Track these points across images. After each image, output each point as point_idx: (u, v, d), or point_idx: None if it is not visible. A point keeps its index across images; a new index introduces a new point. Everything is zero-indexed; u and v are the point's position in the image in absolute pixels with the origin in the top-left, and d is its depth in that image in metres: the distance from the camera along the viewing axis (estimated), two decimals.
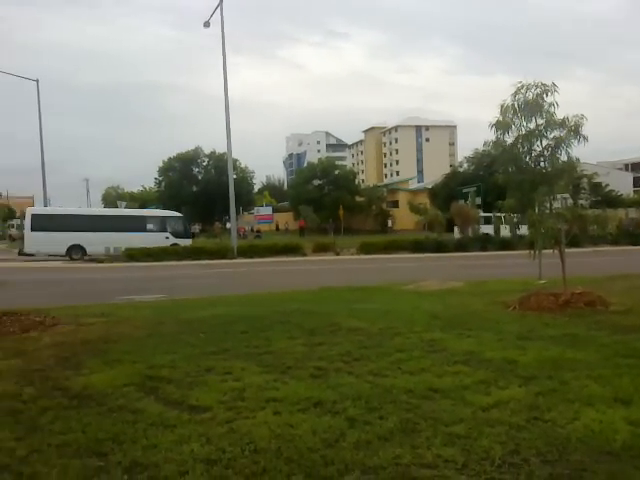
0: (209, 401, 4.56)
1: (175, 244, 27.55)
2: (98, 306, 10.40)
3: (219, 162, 58.47)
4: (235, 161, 54.68)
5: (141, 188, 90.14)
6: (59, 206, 42.32)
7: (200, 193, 59.70)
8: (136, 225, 28.11)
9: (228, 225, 42.70)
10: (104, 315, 9.24)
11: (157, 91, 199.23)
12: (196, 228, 47.79)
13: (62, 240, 25.72)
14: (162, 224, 28.98)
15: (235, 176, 43.49)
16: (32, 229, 26.02)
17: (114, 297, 12.23)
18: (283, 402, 4.48)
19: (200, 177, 62.44)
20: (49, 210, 31.19)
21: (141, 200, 78.03)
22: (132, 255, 25.33)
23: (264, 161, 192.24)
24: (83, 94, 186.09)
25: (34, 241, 25.65)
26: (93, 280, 18.34)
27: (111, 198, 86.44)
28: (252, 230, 50.11)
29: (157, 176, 64.34)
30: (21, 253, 27.40)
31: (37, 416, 4.34)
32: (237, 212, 39.30)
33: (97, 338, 7.36)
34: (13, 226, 56.10)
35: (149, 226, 28.65)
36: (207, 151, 63.01)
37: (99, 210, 38.09)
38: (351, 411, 4.23)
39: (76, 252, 26.45)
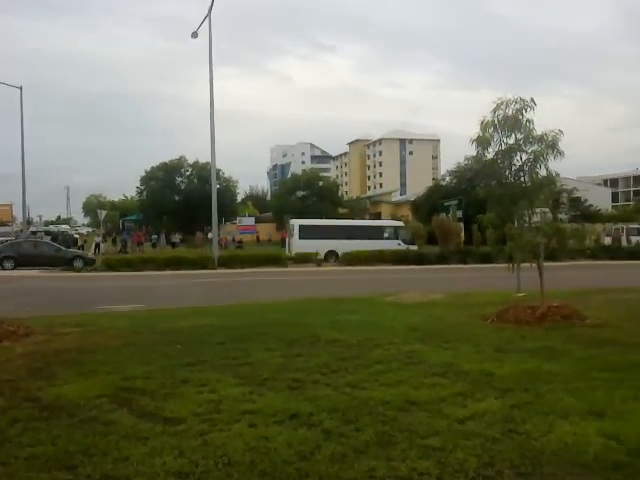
0: (184, 413, 4.50)
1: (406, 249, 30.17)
2: (74, 316, 10.23)
3: (202, 171, 58.07)
4: (218, 171, 54.37)
5: (122, 197, 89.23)
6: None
7: (182, 202, 59.20)
8: (376, 233, 31.99)
9: (210, 235, 42.46)
10: (79, 325, 9.10)
11: (143, 100, 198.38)
12: (177, 238, 47.27)
13: (321, 246, 29.33)
14: (395, 233, 32.39)
15: (218, 186, 43.28)
16: (300, 237, 30.80)
17: (91, 307, 12.05)
18: (259, 414, 4.44)
19: (183, 186, 61.96)
20: (312, 222, 35.83)
21: (122, 209, 77.19)
22: (110, 264, 25.04)
23: (248, 171, 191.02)
24: (69, 102, 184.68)
25: (300, 246, 29.83)
26: (71, 289, 18.06)
27: (92, 206, 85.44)
28: (233, 240, 49.78)
29: (139, 185, 63.77)
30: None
31: (6, 428, 4.24)
32: (219, 222, 39.21)
33: (71, 348, 7.23)
34: None
35: (385, 234, 32.36)
36: (191, 160, 62.74)
37: (349, 221, 42.19)
38: (327, 423, 4.20)
39: (331, 256, 30.26)
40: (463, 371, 5.72)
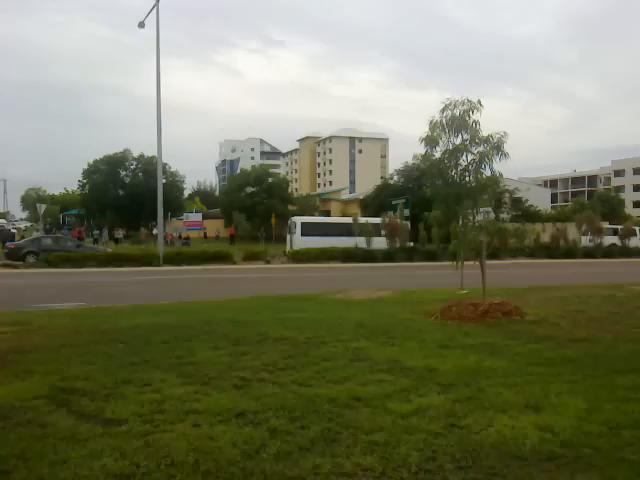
0: (125, 414, 4.38)
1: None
2: (9, 314, 9.79)
3: (148, 165, 56.69)
4: (165, 165, 53.34)
5: (63, 191, 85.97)
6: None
7: (126, 197, 57.63)
8: (377, 231, 31.08)
9: (155, 231, 41.51)
10: (16, 324, 8.71)
11: (86, 92, 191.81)
12: (120, 233, 45.92)
13: (323, 243, 29.62)
14: (377, 230, 31.67)
15: (164, 180, 42.44)
16: (302, 234, 31.60)
17: (28, 305, 11.55)
18: (203, 414, 4.38)
19: (127, 180, 60.30)
20: (313, 219, 38.41)
21: (63, 203, 74.40)
22: (50, 261, 24.08)
23: (196, 166, 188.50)
24: (5, 92, 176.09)
25: (302, 244, 30.49)
26: (7, 286, 17.26)
27: (31, 200, 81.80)
28: (180, 237, 48.86)
29: (81, 178, 61.54)
30: None
31: None
32: (165, 218, 38.35)
33: (7, 348, 6.91)
34: None
35: (384, 232, 31.51)
36: (136, 154, 61.13)
37: (346, 219, 41.04)
38: (273, 421, 4.19)
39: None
40: (408, 367, 5.82)
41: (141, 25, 27.54)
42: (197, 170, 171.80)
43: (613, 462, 3.43)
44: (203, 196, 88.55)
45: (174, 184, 59.42)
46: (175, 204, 57.50)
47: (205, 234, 56.60)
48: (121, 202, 57.19)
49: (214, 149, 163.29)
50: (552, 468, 3.37)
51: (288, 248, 31.99)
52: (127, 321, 8.98)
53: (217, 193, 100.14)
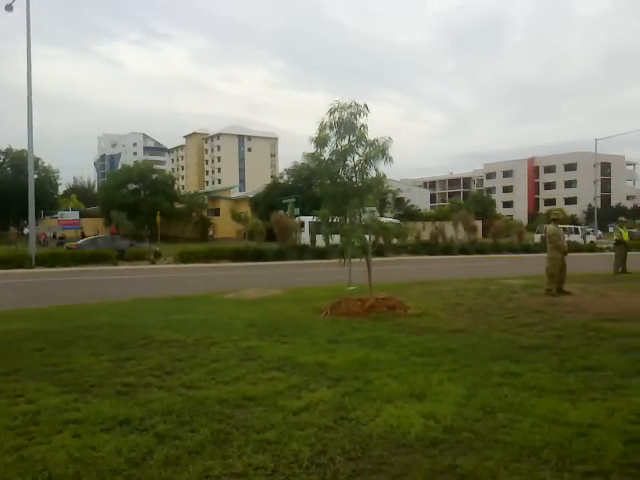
0: None
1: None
2: None
3: (17, 160, 52.22)
4: (37, 160, 49.40)
5: None
6: None
7: None
8: None
9: (26, 230, 38.32)
10: None
11: None
12: None
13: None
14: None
15: (36, 176, 39.32)
16: (309, 233, 32.21)
17: None
18: (84, 423, 4.10)
19: None
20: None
21: None
22: None
23: (72, 162, 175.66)
24: None
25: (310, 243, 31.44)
26: None
27: None
28: (54, 236, 45.51)
29: None
30: None
31: None
32: (38, 216, 35.55)
33: None
34: None
35: None
36: (3, 147, 56.01)
37: None
38: (160, 427, 4.02)
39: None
40: (299, 364, 5.86)
41: (9, 8, 25.31)
42: (73, 165, 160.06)
43: (490, 444, 3.68)
44: (80, 193, 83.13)
45: (47, 180, 55.22)
46: (48, 201, 53.48)
47: (82, 233, 53.17)
48: None
49: (92, 143, 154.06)
50: (436, 453, 3.55)
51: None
52: None
53: (96, 190, 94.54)
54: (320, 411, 4.34)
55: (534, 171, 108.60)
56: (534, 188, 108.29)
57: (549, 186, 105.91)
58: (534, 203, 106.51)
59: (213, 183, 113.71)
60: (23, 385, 5.15)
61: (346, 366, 5.72)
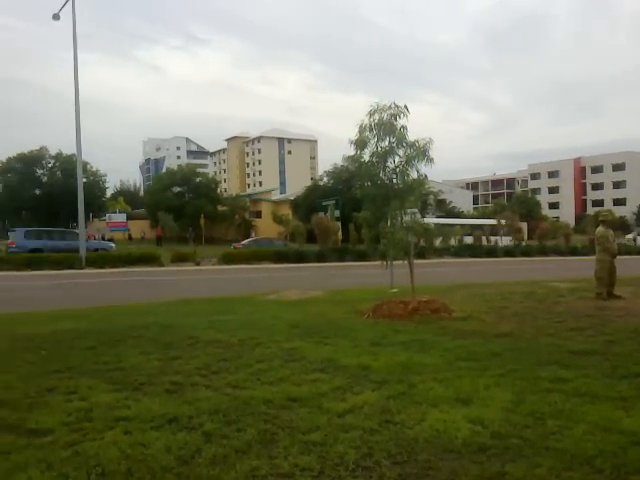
0: (51, 423, 4.14)
1: None
2: None
3: (67, 164, 53.99)
4: (85, 164, 51.01)
5: None
6: None
7: (44, 197, 54.59)
8: None
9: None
10: None
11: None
12: None
13: None
14: None
15: (85, 180, 40.62)
16: None
17: None
18: (134, 420, 4.21)
19: (45, 180, 57.17)
20: None
21: None
22: None
23: (118, 165, 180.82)
24: None
25: None
26: None
27: None
28: (103, 238, 46.92)
29: None
30: None
31: None
32: (87, 218, 36.72)
33: None
34: None
35: None
36: (54, 152, 58.06)
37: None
38: (208, 426, 4.09)
39: None
40: (342, 365, 5.86)
41: (56, 17, 26.25)
42: (119, 169, 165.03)
43: (540, 451, 3.60)
44: (127, 196, 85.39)
45: (95, 183, 56.97)
46: (97, 204, 55.23)
47: (130, 235, 54.69)
48: (38, 202, 54.22)
49: (137, 148, 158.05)
50: (483, 459, 3.49)
51: None
52: (48, 327, 8.51)
53: (141, 193, 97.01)
54: (365, 414, 4.33)
55: (580, 171, 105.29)
56: (581, 189, 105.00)
57: (596, 187, 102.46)
58: (581, 204, 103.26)
59: (254, 186, 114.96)
60: (76, 382, 5.33)
61: (389, 369, 5.69)
